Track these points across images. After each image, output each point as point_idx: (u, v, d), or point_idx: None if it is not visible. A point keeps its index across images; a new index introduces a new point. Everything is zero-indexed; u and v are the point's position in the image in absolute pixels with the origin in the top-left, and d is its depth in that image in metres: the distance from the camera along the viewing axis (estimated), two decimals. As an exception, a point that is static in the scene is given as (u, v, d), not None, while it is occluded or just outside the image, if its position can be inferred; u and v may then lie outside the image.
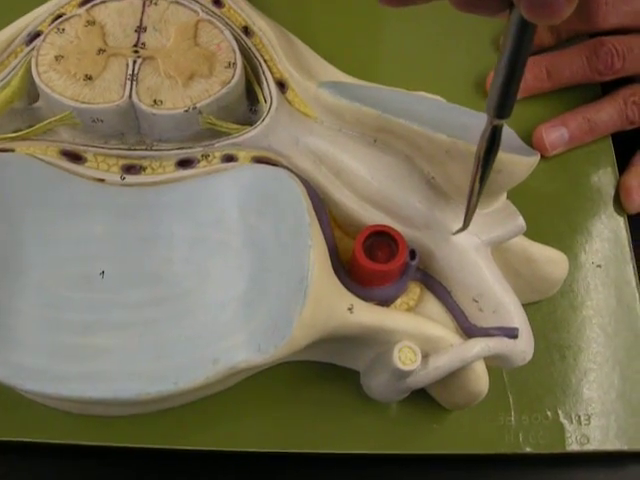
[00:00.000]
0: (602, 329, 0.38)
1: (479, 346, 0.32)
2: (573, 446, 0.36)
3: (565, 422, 0.36)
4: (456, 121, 0.33)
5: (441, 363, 0.32)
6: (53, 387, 0.30)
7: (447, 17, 0.43)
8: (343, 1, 0.45)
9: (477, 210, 0.34)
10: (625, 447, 0.36)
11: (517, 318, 0.33)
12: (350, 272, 0.33)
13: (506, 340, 0.33)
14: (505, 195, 0.35)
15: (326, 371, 0.36)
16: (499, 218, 0.34)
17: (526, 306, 0.35)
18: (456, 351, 0.32)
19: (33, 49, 0.35)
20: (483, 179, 0.30)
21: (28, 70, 0.35)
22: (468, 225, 0.32)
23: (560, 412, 0.36)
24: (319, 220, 0.33)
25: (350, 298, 0.32)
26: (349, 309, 0.31)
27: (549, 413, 0.36)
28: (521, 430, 0.36)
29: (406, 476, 0.36)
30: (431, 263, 0.34)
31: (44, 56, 0.34)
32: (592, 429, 0.36)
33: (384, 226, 0.32)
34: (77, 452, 0.35)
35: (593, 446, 0.36)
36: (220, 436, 0.35)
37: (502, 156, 0.31)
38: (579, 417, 0.36)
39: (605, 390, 0.37)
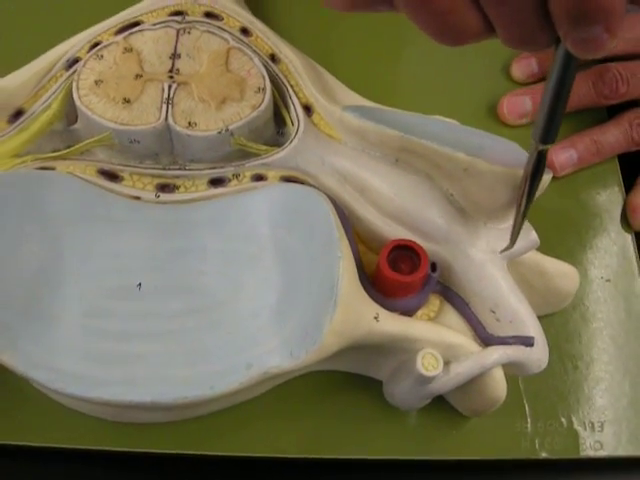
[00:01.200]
0: (612, 340, 0.40)
1: (498, 353, 0.34)
2: (587, 452, 0.37)
3: (579, 429, 0.38)
4: (472, 141, 0.35)
5: (462, 369, 0.34)
6: (94, 391, 0.31)
7: (461, 47, 0.46)
8: (363, 33, 0.47)
9: (493, 226, 0.36)
10: (638, 452, 0.37)
11: (532, 328, 0.35)
12: (374, 284, 0.35)
13: (522, 348, 0.34)
14: (520, 211, 0.37)
15: (350, 381, 0.38)
16: (514, 233, 0.36)
17: (540, 318, 0.37)
18: (476, 358, 0.34)
19: (72, 74, 0.37)
20: (529, 200, 0.32)
21: (68, 93, 0.37)
22: (514, 243, 0.34)
23: (574, 419, 0.38)
24: (346, 235, 0.35)
25: (376, 308, 0.33)
26: (375, 318, 0.33)
27: (563, 420, 0.38)
28: (537, 436, 0.37)
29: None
30: (450, 276, 0.36)
31: (84, 80, 0.36)
32: (605, 435, 0.38)
33: (407, 240, 0.34)
34: (108, 458, 0.37)
35: (607, 452, 0.37)
36: (248, 442, 0.37)
37: (519, 172, 0.33)
38: (592, 424, 0.38)
39: (617, 398, 0.39)
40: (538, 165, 0.31)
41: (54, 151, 0.37)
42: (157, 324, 0.34)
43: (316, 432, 0.37)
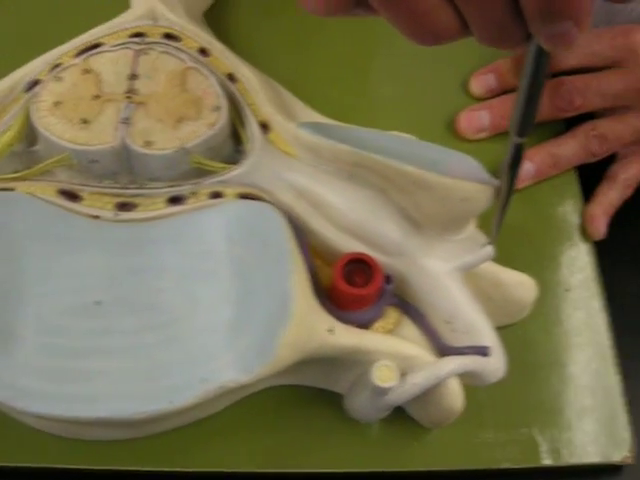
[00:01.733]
0: (571, 349, 0.40)
1: (453, 363, 0.34)
2: (547, 460, 0.38)
3: (539, 438, 0.38)
4: (426, 155, 0.36)
5: (417, 380, 0.34)
6: (53, 408, 0.32)
7: (420, 64, 0.47)
8: (323, 53, 0.48)
9: (449, 238, 0.36)
10: (597, 459, 0.38)
11: (488, 337, 0.36)
12: (330, 297, 0.35)
13: (479, 358, 0.35)
14: (474, 224, 0.37)
15: (311, 394, 0.38)
16: (469, 245, 0.37)
17: (500, 329, 0.37)
18: (431, 369, 0.34)
19: (33, 96, 0.38)
20: (508, 194, 0.33)
21: (27, 115, 0.37)
22: (496, 239, 0.35)
23: (534, 428, 0.38)
24: (300, 250, 0.35)
25: (330, 321, 0.34)
26: (329, 331, 0.33)
27: (524, 430, 0.38)
28: (498, 446, 0.38)
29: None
30: (406, 289, 0.37)
31: (43, 102, 0.37)
32: (565, 443, 0.38)
33: (361, 254, 0.35)
34: (71, 476, 0.37)
35: (566, 460, 0.38)
36: (209, 458, 0.37)
37: (467, 185, 0.34)
38: (552, 433, 0.38)
39: (576, 406, 0.39)
40: (516, 158, 0.32)
41: (14, 172, 0.37)
42: (115, 340, 0.34)
43: (278, 446, 0.37)
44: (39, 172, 0.37)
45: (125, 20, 0.41)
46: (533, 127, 0.31)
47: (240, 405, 0.38)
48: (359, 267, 0.35)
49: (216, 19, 0.47)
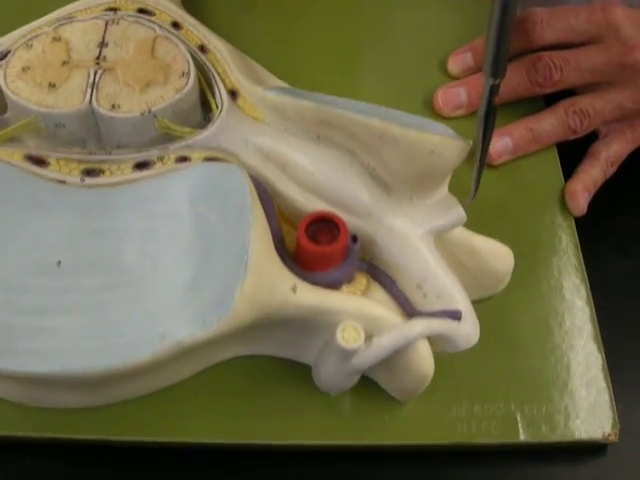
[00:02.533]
0: (552, 324, 0.39)
1: (422, 324, 0.33)
2: (525, 436, 0.36)
3: (518, 413, 0.36)
4: (392, 116, 0.35)
5: (384, 342, 0.33)
6: (5, 363, 0.31)
7: (399, 46, 0.47)
8: (301, 31, 0.49)
9: (418, 201, 0.36)
10: (579, 437, 0.36)
11: (461, 302, 0.34)
12: (295, 259, 0.34)
13: (449, 322, 0.34)
14: (446, 187, 0.36)
15: (281, 368, 0.37)
16: (441, 209, 0.36)
17: (477, 302, 0.36)
18: (399, 329, 0.33)
19: (3, 64, 0.38)
20: (485, 139, 0.33)
21: (-2, 83, 0.37)
22: (476, 192, 0.35)
23: (513, 403, 0.37)
24: (266, 213, 0.34)
25: (294, 280, 0.33)
26: (292, 289, 0.32)
27: (502, 404, 0.37)
28: (474, 421, 0.36)
29: (360, 470, 0.36)
30: (375, 252, 0.36)
31: (12, 68, 0.37)
32: (545, 419, 0.36)
33: (326, 212, 0.34)
34: (27, 446, 0.36)
35: (547, 436, 0.36)
36: (174, 428, 0.35)
37: (434, 137, 0.33)
38: (531, 408, 0.37)
39: (557, 382, 0.37)
40: (491, 103, 0.32)
41: (-17, 140, 0.37)
42: (73, 299, 0.33)
43: (247, 418, 0.36)
44: (6, 137, 0.37)
45: (100, -3, 0.41)
46: (505, 68, 0.32)
47: (209, 376, 0.37)
48: (324, 227, 0.34)
49: (196, 5, 0.47)
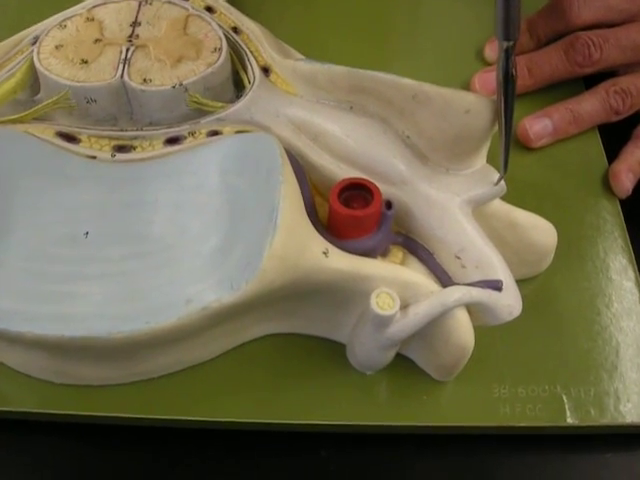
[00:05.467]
0: (596, 304, 0.37)
1: (460, 291, 0.31)
2: (573, 419, 0.34)
3: (564, 395, 0.34)
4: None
5: (421, 309, 0.31)
6: (26, 326, 0.30)
7: (435, 32, 0.47)
8: (340, 23, 0.49)
9: (456, 172, 0.34)
10: (631, 420, 0.34)
11: (501, 271, 0.33)
12: (328, 227, 0.33)
13: (489, 291, 0.32)
14: (484, 158, 0.35)
15: (313, 345, 0.36)
16: (478, 178, 0.34)
17: (520, 282, 0.34)
18: (436, 297, 0.31)
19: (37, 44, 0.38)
20: (507, 107, 0.32)
21: (32, 64, 0.37)
22: (506, 164, 0.33)
23: (559, 385, 0.34)
24: (300, 184, 0.33)
25: (326, 244, 0.32)
26: (324, 253, 0.31)
27: (547, 386, 0.35)
28: (517, 402, 0.34)
29: (395, 454, 0.34)
30: (411, 223, 0.34)
31: (45, 47, 0.37)
32: (594, 402, 0.34)
33: (359, 178, 0.33)
34: (53, 423, 0.35)
35: (597, 419, 0.34)
36: (206, 407, 0.34)
37: (468, 95, 0.32)
38: (579, 391, 0.34)
39: (605, 365, 0.35)
40: (508, 65, 0.31)
41: (15, 116, 0.37)
42: (100, 267, 0.32)
43: (277, 397, 0.34)
44: (38, 114, 0.37)
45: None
46: (519, 30, 0.31)
47: (239, 354, 0.35)
48: (358, 194, 0.33)
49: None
